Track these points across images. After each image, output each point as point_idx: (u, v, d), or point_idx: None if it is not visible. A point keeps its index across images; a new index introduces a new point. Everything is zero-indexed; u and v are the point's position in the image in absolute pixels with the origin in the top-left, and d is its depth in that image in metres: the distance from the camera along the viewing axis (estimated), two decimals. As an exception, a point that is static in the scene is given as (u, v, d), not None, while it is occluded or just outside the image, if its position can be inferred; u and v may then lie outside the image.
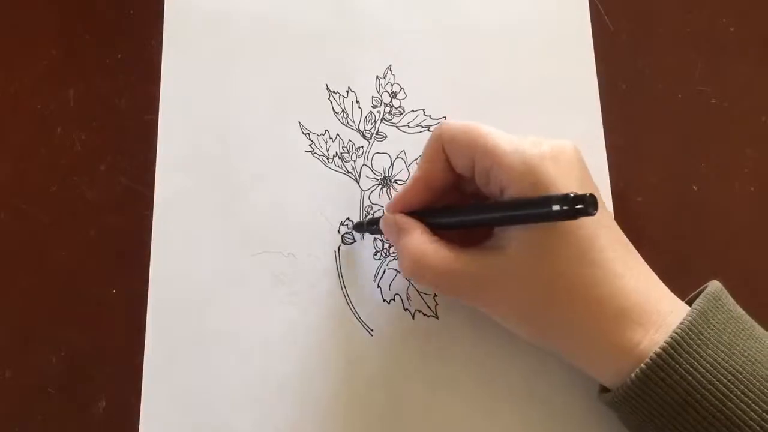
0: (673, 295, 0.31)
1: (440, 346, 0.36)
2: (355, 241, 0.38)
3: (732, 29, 0.42)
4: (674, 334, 0.28)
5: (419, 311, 0.37)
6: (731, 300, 0.31)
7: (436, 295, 0.37)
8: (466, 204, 0.34)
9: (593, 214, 0.26)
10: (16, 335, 0.37)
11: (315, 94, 0.40)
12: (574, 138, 0.40)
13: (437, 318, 0.37)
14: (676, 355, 0.28)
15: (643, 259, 0.32)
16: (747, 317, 0.31)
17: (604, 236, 0.30)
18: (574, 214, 0.26)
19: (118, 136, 0.40)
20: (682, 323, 0.29)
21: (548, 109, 0.40)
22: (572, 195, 0.26)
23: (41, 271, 0.38)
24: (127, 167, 0.40)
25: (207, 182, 0.39)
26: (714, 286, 0.31)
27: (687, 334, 0.29)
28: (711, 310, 0.30)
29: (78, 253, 0.38)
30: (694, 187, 0.40)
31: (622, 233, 0.32)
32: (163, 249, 0.38)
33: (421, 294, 0.37)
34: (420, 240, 0.32)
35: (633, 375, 0.29)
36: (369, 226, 0.37)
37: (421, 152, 0.39)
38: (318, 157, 0.39)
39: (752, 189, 0.39)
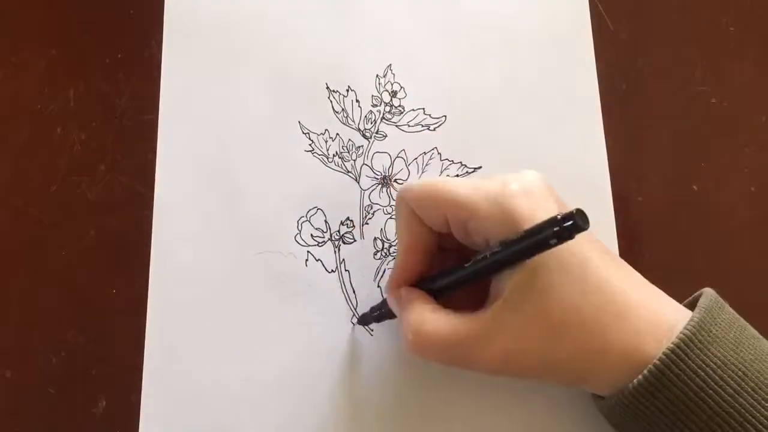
0: (670, 298, 0.31)
1: (440, 346, 0.36)
2: (356, 240, 0.38)
3: (732, 29, 0.42)
4: (684, 332, 0.28)
5: (419, 311, 0.37)
6: (727, 304, 0.31)
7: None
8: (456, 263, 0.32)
9: (586, 228, 0.25)
10: (16, 335, 0.37)
11: (315, 94, 0.40)
12: (574, 138, 0.40)
13: (437, 318, 0.37)
14: (688, 352, 0.28)
15: (632, 267, 0.31)
16: (743, 320, 0.31)
17: (596, 257, 0.30)
18: (569, 234, 0.26)
19: (118, 136, 0.40)
20: (690, 321, 0.29)
21: (548, 109, 0.40)
22: (559, 216, 0.26)
23: (41, 271, 0.38)
24: (127, 167, 0.40)
25: (207, 182, 0.39)
26: (710, 291, 0.31)
27: (697, 332, 0.28)
28: (716, 310, 0.30)
29: (78, 253, 0.38)
30: (694, 187, 0.40)
31: (606, 246, 0.31)
32: (163, 249, 0.38)
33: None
34: (420, 310, 0.31)
35: (641, 376, 0.28)
36: (373, 313, 0.35)
37: (420, 152, 0.39)
38: (318, 156, 0.39)
39: (752, 189, 0.39)
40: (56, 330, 0.37)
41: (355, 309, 0.37)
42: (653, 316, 0.29)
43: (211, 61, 0.41)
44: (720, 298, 0.31)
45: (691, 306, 0.31)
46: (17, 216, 0.39)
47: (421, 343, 0.30)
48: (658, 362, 0.28)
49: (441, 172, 0.39)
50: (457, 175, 0.39)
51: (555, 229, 0.26)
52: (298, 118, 0.40)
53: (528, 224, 0.28)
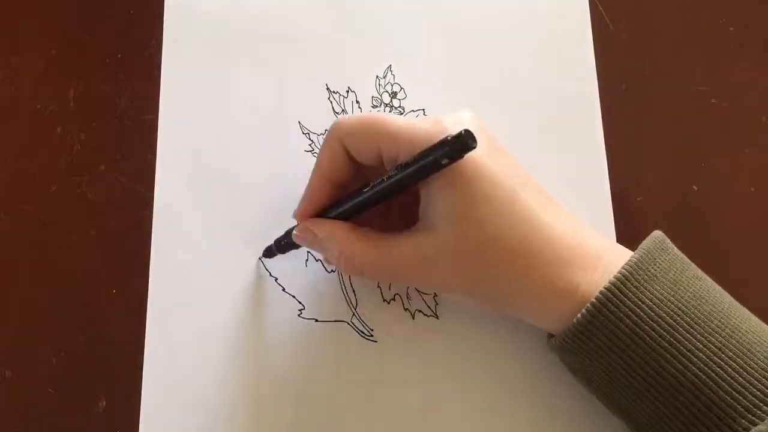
0: (605, 235, 0.32)
1: (440, 346, 0.36)
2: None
3: (732, 29, 0.42)
4: (622, 271, 0.30)
5: (419, 311, 0.37)
6: (675, 246, 0.32)
7: (436, 295, 0.37)
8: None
9: (473, 147, 0.27)
10: (16, 335, 0.37)
11: (315, 94, 0.40)
12: (574, 138, 0.40)
13: (437, 318, 0.37)
14: (624, 290, 0.29)
15: (560, 204, 0.33)
16: (690, 261, 0.32)
17: (523, 191, 0.31)
18: (458, 152, 0.27)
19: (118, 136, 0.40)
20: (629, 261, 0.30)
21: (548, 109, 0.40)
22: (449, 137, 0.27)
23: (41, 271, 0.38)
24: (127, 167, 0.40)
25: (207, 182, 0.39)
26: (658, 233, 0.32)
27: (634, 270, 0.30)
28: (657, 251, 0.31)
29: (78, 253, 0.38)
30: (694, 187, 0.40)
31: (536, 181, 0.33)
32: (163, 249, 0.38)
33: (421, 294, 0.37)
34: (345, 237, 0.32)
35: (579, 315, 0.30)
36: (279, 245, 0.36)
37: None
38: (318, 157, 0.39)
39: (752, 189, 0.39)
40: (56, 330, 0.37)
41: (355, 309, 0.37)
42: (580, 248, 0.31)
43: (211, 61, 0.41)
44: (667, 240, 0.32)
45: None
46: (17, 216, 0.39)
47: (354, 267, 0.32)
48: (595, 300, 0.29)
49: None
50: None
51: (446, 148, 0.27)
52: (298, 118, 0.40)
53: None
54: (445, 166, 0.28)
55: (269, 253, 0.37)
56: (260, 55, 0.41)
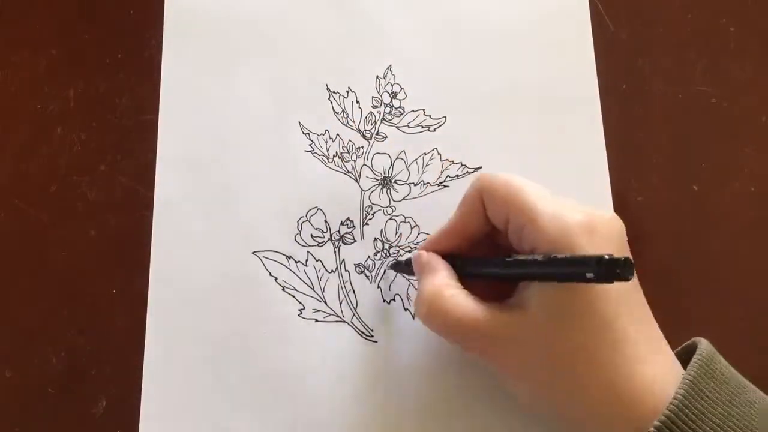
0: (671, 358, 0.30)
1: (440, 346, 0.36)
2: (356, 241, 0.38)
3: (732, 29, 0.42)
4: (666, 413, 0.27)
5: (419, 311, 0.37)
6: (723, 361, 0.30)
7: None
8: (498, 256, 0.32)
9: (628, 279, 0.25)
10: (16, 335, 0.37)
11: (315, 94, 0.40)
12: (574, 138, 0.40)
13: (437, 318, 0.37)
14: (680, 418, 0.27)
15: (663, 338, 0.31)
16: (739, 378, 0.30)
17: (627, 314, 0.29)
18: (609, 278, 0.25)
19: (118, 136, 0.40)
20: (674, 398, 0.27)
21: (548, 109, 0.40)
22: (607, 257, 0.25)
23: (41, 271, 0.38)
24: (127, 167, 0.40)
25: (207, 182, 0.39)
26: (704, 347, 0.30)
27: (680, 411, 0.27)
28: (703, 379, 0.28)
29: (78, 253, 0.38)
30: (694, 187, 0.40)
31: (648, 307, 0.31)
32: (163, 249, 0.38)
33: (421, 294, 0.37)
34: (443, 282, 0.32)
35: None
36: (407, 266, 0.36)
37: (420, 153, 0.39)
38: (318, 157, 0.39)
39: (752, 189, 0.39)
40: (56, 330, 0.37)
41: (355, 309, 0.37)
42: (662, 393, 0.28)
43: (211, 61, 0.41)
44: (713, 359, 0.29)
45: (684, 354, 0.30)
46: (17, 216, 0.39)
47: (433, 315, 0.31)
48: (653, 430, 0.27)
49: (441, 173, 0.39)
50: (457, 176, 0.39)
51: (598, 268, 0.25)
52: (298, 119, 0.40)
53: (578, 253, 0.28)
54: (588, 280, 0.26)
55: (398, 267, 0.37)
56: (260, 55, 0.41)
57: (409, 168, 0.39)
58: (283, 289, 0.37)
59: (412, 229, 0.38)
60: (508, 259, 0.30)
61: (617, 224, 0.31)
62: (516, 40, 0.41)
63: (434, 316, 0.31)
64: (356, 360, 0.36)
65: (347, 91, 0.40)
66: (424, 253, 0.34)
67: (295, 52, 0.41)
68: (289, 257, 0.38)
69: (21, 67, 0.41)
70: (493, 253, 0.33)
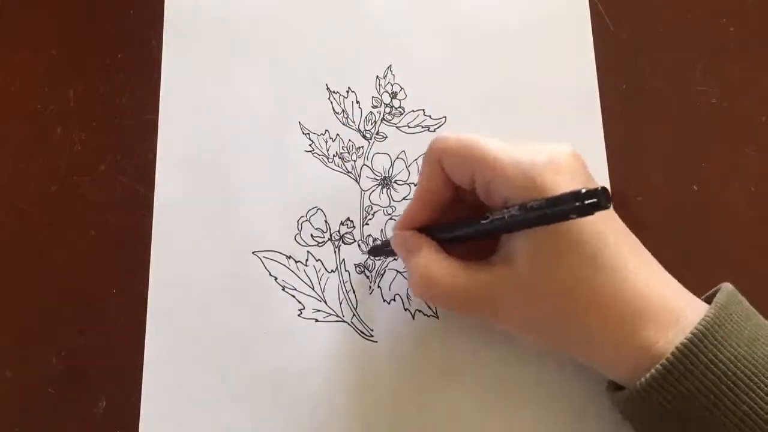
0: (684, 289, 0.31)
1: (440, 346, 0.36)
2: (356, 241, 0.38)
3: (732, 29, 0.42)
4: (698, 328, 0.28)
5: (419, 311, 0.37)
6: (745, 299, 0.31)
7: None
8: (475, 216, 0.33)
9: (608, 207, 0.26)
10: (16, 335, 0.37)
11: (315, 94, 0.40)
12: (574, 138, 0.40)
13: (437, 318, 0.37)
14: (701, 347, 0.28)
15: (651, 255, 0.32)
16: (760, 316, 0.31)
17: (612, 236, 0.30)
18: (589, 210, 0.26)
19: (118, 136, 0.40)
20: (705, 317, 0.29)
21: (548, 109, 0.40)
22: (584, 190, 0.26)
23: (41, 271, 0.38)
24: (127, 167, 0.40)
25: (207, 182, 0.39)
26: (729, 286, 0.31)
27: (711, 327, 0.29)
28: (732, 305, 0.30)
29: (78, 253, 0.38)
30: (694, 187, 0.40)
31: (628, 229, 0.32)
32: (163, 249, 0.38)
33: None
34: (428, 258, 0.32)
35: (654, 370, 0.28)
36: (385, 247, 0.36)
37: (421, 153, 0.39)
38: (318, 157, 0.39)
39: (752, 189, 0.39)
40: (56, 330, 0.37)
41: (355, 309, 0.37)
42: (661, 303, 0.30)
43: (211, 60, 0.41)
44: (738, 293, 0.31)
45: (710, 301, 0.31)
46: (17, 216, 0.39)
47: (428, 288, 0.32)
48: (671, 356, 0.28)
49: (441, 173, 0.39)
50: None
51: (576, 203, 0.26)
52: (298, 119, 0.40)
53: (550, 195, 0.28)
54: (572, 218, 0.27)
55: (377, 251, 0.37)
56: (260, 55, 0.41)
57: (409, 168, 0.39)
58: (283, 289, 0.37)
59: (412, 229, 0.38)
60: (483, 221, 0.30)
61: (579, 158, 0.31)
62: (516, 40, 0.41)
63: (429, 293, 0.32)
64: (356, 360, 0.36)
65: (347, 91, 0.40)
66: (400, 233, 0.34)
67: (295, 52, 0.41)
68: (289, 257, 0.38)
69: (21, 67, 0.41)
70: (465, 212, 0.34)
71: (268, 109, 0.40)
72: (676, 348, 0.28)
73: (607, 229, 0.30)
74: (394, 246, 0.34)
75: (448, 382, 0.36)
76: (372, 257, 0.38)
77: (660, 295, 0.30)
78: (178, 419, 0.36)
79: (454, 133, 0.32)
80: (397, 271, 0.38)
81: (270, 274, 0.38)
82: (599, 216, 0.27)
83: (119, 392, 0.36)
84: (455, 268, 0.32)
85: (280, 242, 0.38)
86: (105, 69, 0.41)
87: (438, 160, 0.32)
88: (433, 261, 0.32)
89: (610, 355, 0.30)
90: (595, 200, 0.26)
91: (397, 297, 0.37)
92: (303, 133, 0.40)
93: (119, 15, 0.42)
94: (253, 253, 0.38)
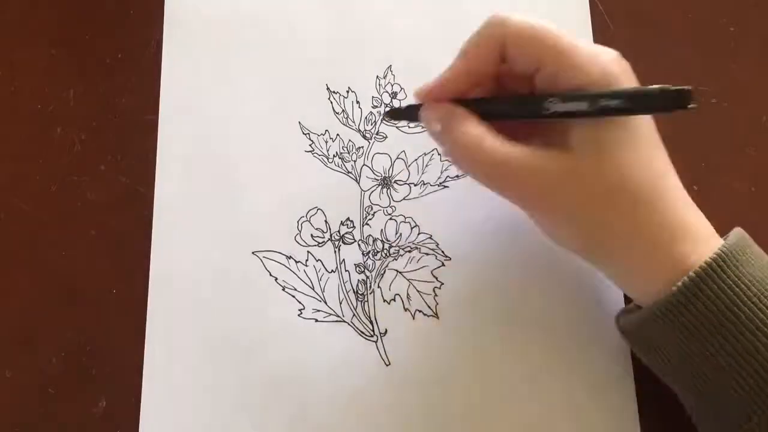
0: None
1: (440, 346, 0.36)
2: (356, 240, 0.38)
3: (732, 29, 0.42)
4: (724, 248, 0.29)
5: (419, 311, 0.37)
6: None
7: (436, 295, 0.37)
8: (530, 94, 0.31)
9: (694, 107, 0.27)
10: (16, 335, 0.37)
11: (315, 94, 0.40)
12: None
13: (437, 318, 0.37)
14: (729, 262, 0.29)
15: None
16: None
17: (663, 150, 0.31)
18: (674, 106, 0.27)
19: (118, 136, 0.40)
20: (729, 239, 0.30)
21: (548, 109, 0.40)
22: (672, 87, 0.26)
23: (41, 271, 0.38)
24: (127, 167, 0.40)
25: (207, 182, 0.39)
26: (740, 230, 0.32)
27: (734, 249, 0.29)
28: (747, 239, 0.31)
29: (78, 253, 0.38)
30: (695, 187, 0.39)
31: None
32: (163, 249, 0.38)
33: (421, 294, 0.37)
34: (479, 127, 0.30)
35: (680, 282, 0.29)
36: (407, 112, 0.34)
37: (420, 153, 0.39)
38: (318, 157, 0.39)
39: (752, 189, 0.39)
40: (56, 330, 0.37)
41: (355, 309, 0.37)
42: (698, 221, 0.31)
43: (211, 60, 0.41)
44: (748, 236, 0.32)
45: None
46: (17, 216, 0.39)
47: (479, 155, 0.30)
48: (699, 270, 0.29)
49: (441, 173, 0.39)
50: (457, 176, 0.39)
51: (663, 99, 0.27)
52: (298, 119, 0.40)
53: (626, 87, 0.29)
54: (666, 111, 0.27)
55: (396, 114, 0.36)
56: (260, 55, 0.41)
57: (409, 168, 0.39)
58: (283, 289, 0.37)
59: (412, 229, 0.38)
60: (551, 101, 0.29)
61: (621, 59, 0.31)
62: (516, 40, 0.41)
63: (478, 160, 0.31)
64: (356, 360, 0.36)
65: (347, 91, 0.40)
66: (437, 105, 0.32)
67: (296, 52, 0.41)
68: (289, 257, 0.38)
69: (21, 67, 0.41)
70: (494, 93, 0.33)
71: (268, 109, 0.40)
72: (706, 262, 0.29)
73: (659, 139, 0.31)
74: (427, 117, 0.32)
75: (447, 382, 0.36)
76: (387, 119, 0.37)
77: (696, 212, 0.31)
78: (178, 419, 0.36)
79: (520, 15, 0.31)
80: (397, 271, 0.38)
81: (270, 274, 0.38)
82: (652, 125, 0.29)
83: (119, 392, 0.36)
84: (507, 142, 0.30)
85: (280, 242, 0.38)
86: (105, 69, 0.41)
87: (500, 42, 0.31)
88: (485, 131, 0.30)
89: (643, 262, 0.30)
90: (685, 96, 0.26)
91: (397, 297, 0.37)
92: (303, 133, 0.40)
93: (119, 15, 0.42)
94: (253, 253, 0.38)
